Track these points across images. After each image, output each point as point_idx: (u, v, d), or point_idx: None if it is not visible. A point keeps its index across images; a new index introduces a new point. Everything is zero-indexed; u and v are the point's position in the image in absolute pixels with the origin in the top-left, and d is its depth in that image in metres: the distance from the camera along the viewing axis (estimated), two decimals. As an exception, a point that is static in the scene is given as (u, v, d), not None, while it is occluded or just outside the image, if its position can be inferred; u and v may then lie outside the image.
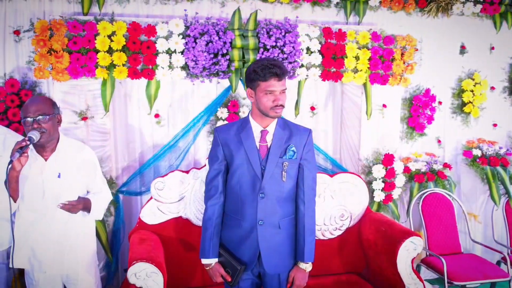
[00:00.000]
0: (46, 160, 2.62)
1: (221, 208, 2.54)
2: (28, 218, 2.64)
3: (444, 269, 3.42)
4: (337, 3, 3.80)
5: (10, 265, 2.69)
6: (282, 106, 2.38)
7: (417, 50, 3.92)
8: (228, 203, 2.54)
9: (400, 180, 3.81)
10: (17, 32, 3.30)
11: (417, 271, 3.74)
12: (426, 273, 3.95)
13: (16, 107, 3.29)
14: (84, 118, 3.28)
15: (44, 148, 2.61)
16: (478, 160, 4.09)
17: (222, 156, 2.51)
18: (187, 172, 3.21)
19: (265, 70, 2.31)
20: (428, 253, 3.74)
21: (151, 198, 3.16)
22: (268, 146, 2.45)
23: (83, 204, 2.62)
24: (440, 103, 4.16)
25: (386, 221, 3.35)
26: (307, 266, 2.53)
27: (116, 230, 3.44)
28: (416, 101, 3.98)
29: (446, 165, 4.05)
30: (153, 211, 3.17)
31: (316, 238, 3.38)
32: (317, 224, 3.40)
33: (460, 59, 4.19)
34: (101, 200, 2.79)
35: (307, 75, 3.53)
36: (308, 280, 3.28)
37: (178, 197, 3.19)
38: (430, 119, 4.05)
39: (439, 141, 4.22)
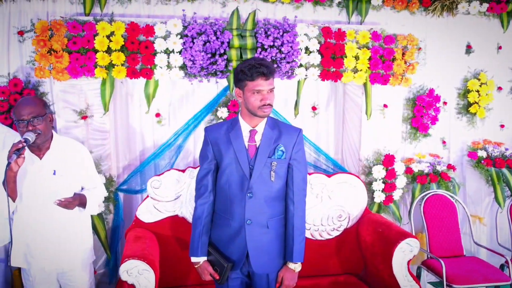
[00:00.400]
0: (41, 158, 2.67)
1: (210, 207, 2.56)
2: (26, 216, 2.70)
3: (443, 272, 3.37)
4: (339, 2, 3.77)
5: (9, 264, 2.76)
6: (270, 105, 2.39)
7: (420, 49, 3.88)
8: (217, 202, 2.56)
9: (401, 181, 3.77)
10: (21, 33, 3.36)
11: (418, 273, 3.73)
12: (429, 276, 3.90)
13: (19, 107, 3.36)
14: (84, 117, 3.34)
15: (38, 148, 2.67)
16: (483, 161, 4.02)
17: (212, 156, 2.53)
18: (183, 171, 3.24)
19: (252, 70, 2.32)
20: (428, 256, 3.69)
21: (148, 196, 3.20)
22: (257, 145, 2.45)
23: (79, 200, 2.67)
24: (445, 103, 4.09)
25: (384, 222, 3.32)
26: (296, 266, 2.52)
27: (115, 228, 3.49)
28: (420, 101, 3.93)
29: (450, 167, 3.99)
30: (150, 210, 3.21)
31: (313, 238, 3.43)
32: (314, 224, 3.40)
33: (466, 58, 4.12)
34: (96, 195, 2.83)
35: (306, 75, 3.52)
36: (304, 280, 3.29)
37: (174, 196, 3.22)
38: (434, 120, 4.00)
39: (444, 142, 4.15)
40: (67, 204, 2.58)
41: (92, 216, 3.26)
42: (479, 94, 4.05)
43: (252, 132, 2.46)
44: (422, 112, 3.95)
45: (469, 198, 4.22)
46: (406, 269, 3.08)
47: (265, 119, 2.48)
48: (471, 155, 4.07)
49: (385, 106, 3.73)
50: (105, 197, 3.34)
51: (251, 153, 2.45)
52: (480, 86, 4.06)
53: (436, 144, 4.14)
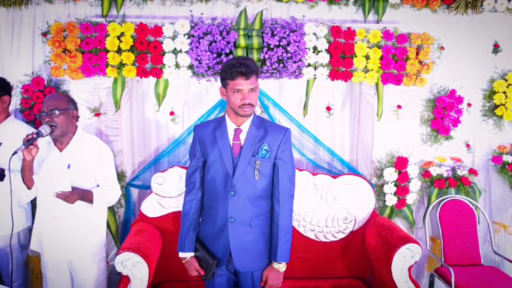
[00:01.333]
0: (61, 151, 2.86)
1: (198, 204, 2.60)
2: (42, 204, 2.90)
3: (451, 280, 3.23)
4: (355, 1, 3.70)
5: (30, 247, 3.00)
6: (251, 105, 2.40)
7: (443, 48, 3.75)
8: (205, 199, 2.60)
9: (415, 184, 3.64)
10: (44, 35, 3.56)
11: (431, 281, 3.59)
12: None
13: (41, 103, 3.57)
14: (97, 114, 3.48)
15: (60, 141, 2.87)
16: (507, 166, 3.80)
17: (200, 153, 2.57)
18: (186, 168, 3.30)
19: (232, 69, 2.34)
20: (442, 263, 3.55)
21: (151, 192, 3.30)
22: (241, 144, 2.47)
23: (80, 195, 2.78)
24: (469, 105, 3.90)
25: (388, 226, 3.23)
26: (280, 266, 2.51)
27: (126, 221, 3.61)
28: (439, 102, 3.77)
29: (471, 171, 3.81)
30: (153, 205, 3.30)
31: (317, 239, 3.40)
32: (318, 225, 3.37)
33: (493, 58, 3.90)
34: (105, 194, 2.93)
35: (315, 75, 3.48)
36: (306, 281, 3.27)
37: (178, 192, 3.29)
38: (456, 122, 3.82)
39: (468, 146, 3.96)
40: (65, 197, 2.71)
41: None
42: (506, 96, 3.84)
43: (237, 131, 2.48)
44: (442, 113, 3.79)
45: (494, 205, 4.00)
46: (407, 275, 2.98)
47: (251, 118, 2.49)
48: (495, 160, 3.86)
49: (398, 107, 3.61)
50: (116, 192, 3.50)
51: (235, 151, 2.47)
52: (508, 87, 3.84)
53: (459, 148, 3.95)
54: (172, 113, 3.72)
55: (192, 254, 2.59)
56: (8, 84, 3.24)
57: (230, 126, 2.49)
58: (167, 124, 3.77)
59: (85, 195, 2.82)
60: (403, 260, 2.96)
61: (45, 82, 3.59)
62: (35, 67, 3.62)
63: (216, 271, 2.58)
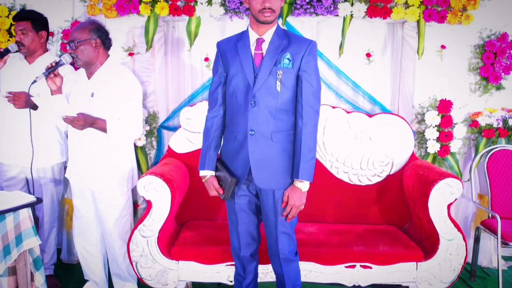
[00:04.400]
0: (89, 79, 2.88)
1: (220, 121, 2.52)
2: (70, 133, 2.95)
3: (498, 228, 2.96)
4: None
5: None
6: (271, 10, 2.28)
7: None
8: (227, 116, 2.51)
9: (459, 130, 3.39)
10: (83, -21, 3.63)
11: (477, 235, 3.32)
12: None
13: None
14: (131, 54, 3.49)
15: (89, 70, 2.89)
16: None
17: (222, 69, 2.49)
18: (215, 103, 3.23)
19: None
20: (490, 215, 3.27)
21: (180, 127, 3.25)
22: (263, 54, 2.37)
23: (89, 122, 2.75)
24: (523, 50, 3.61)
25: (428, 166, 3.01)
26: (302, 186, 2.36)
27: (157, 163, 3.57)
28: (489, 47, 3.50)
29: (525, 121, 3.51)
30: (182, 140, 3.25)
31: (351, 182, 3.24)
32: (352, 167, 3.20)
33: (550, -1, 3.59)
34: (122, 125, 2.85)
35: (351, 12, 3.32)
36: (338, 225, 3.10)
37: (206, 128, 3.22)
38: (507, 69, 3.53)
39: (522, 96, 3.66)
40: (70, 122, 2.71)
41: (136, 150, 3.41)
42: None
43: (259, 41, 2.38)
44: (492, 59, 3.51)
45: (552, 160, 3.66)
46: (446, 213, 2.74)
47: (274, 27, 2.38)
48: (552, 109, 3.53)
49: (442, 47, 3.38)
50: (148, 133, 3.48)
51: (257, 62, 2.37)
52: None
53: (512, 98, 3.66)
54: (206, 59, 3.67)
55: (213, 173, 2.50)
56: (45, 19, 3.27)
57: (252, 36, 2.39)
58: (201, 70, 3.71)
59: (97, 123, 2.78)
60: (442, 196, 2.73)
61: (83, 25, 3.64)
62: (75, 13, 3.68)
63: (237, 191, 2.47)
